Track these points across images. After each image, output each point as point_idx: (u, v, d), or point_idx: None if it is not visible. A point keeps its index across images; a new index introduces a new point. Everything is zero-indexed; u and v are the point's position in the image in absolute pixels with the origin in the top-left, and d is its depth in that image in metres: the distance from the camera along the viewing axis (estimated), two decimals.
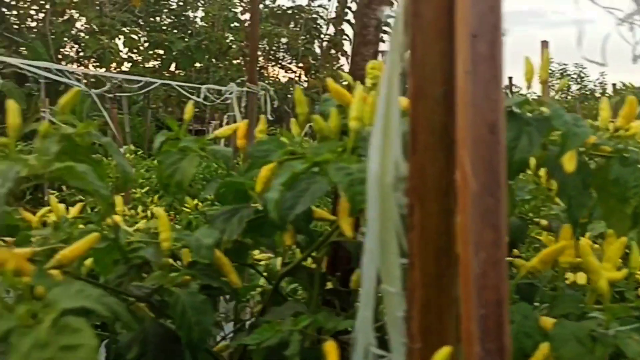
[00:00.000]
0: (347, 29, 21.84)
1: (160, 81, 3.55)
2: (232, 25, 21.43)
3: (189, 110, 1.12)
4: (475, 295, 0.53)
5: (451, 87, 0.54)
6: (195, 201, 3.82)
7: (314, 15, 22.97)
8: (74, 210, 1.24)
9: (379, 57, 1.26)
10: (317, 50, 24.14)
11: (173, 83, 3.71)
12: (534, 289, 0.86)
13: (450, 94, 0.55)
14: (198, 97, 3.51)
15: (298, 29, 23.24)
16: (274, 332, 0.76)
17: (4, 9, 20.69)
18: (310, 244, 1.00)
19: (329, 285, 1.06)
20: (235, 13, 22.50)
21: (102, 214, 0.65)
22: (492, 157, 0.53)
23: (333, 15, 22.17)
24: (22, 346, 0.47)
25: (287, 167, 0.68)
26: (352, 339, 0.81)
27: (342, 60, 23.66)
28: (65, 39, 21.67)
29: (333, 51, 22.84)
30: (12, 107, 0.63)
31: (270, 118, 3.13)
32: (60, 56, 21.52)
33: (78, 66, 17.45)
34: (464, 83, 0.52)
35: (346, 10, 21.36)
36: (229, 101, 3.20)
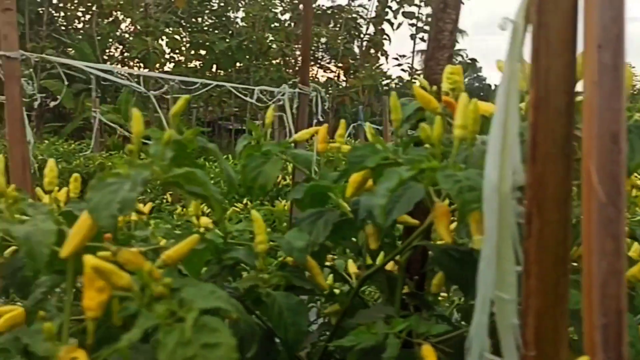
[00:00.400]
0: (387, 29, 21.80)
1: (215, 82, 3.61)
2: (272, 25, 21.65)
3: (269, 115, 1.14)
4: (597, 304, 0.53)
5: (572, 98, 0.55)
6: (245, 200, 3.87)
7: (354, 15, 23.00)
8: (145, 210, 1.28)
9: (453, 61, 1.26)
10: (356, 50, 24.14)
11: (228, 85, 3.77)
12: (631, 298, 0.85)
13: (571, 104, 0.55)
14: (244, 97, 3.57)
15: (338, 28, 23.31)
16: (371, 334, 0.77)
17: (52, 11, 21.38)
18: (392, 248, 1.02)
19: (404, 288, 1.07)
20: (276, 13, 22.71)
21: (217, 217, 0.68)
22: (614, 167, 0.53)
23: (373, 14, 22.14)
24: (168, 343, 0.50)
25: (392, 173, 0.69)
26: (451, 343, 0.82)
27: (382, 59, 23.59)
28: (110, 40, 22.25)
29: (372, 51, 22.82)
30: (136, 115, 0.67)
31: (321, 119, 3.17)
32: (105, 57, 22.12)
33: (122, 67, 17.86)
34: (590, 93, 0.52)
35: (386, 9, 21.30)
36: (281, 102, 3.24)
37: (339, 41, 22.73)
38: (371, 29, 22.30)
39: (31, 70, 3.00)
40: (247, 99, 3.69)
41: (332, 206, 1.04)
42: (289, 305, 0.82)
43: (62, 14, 22.36)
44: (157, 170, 0.64)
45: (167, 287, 0.54)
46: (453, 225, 0.93)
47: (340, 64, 24.00)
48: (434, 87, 1.14)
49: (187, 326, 0.50)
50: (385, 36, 21.58)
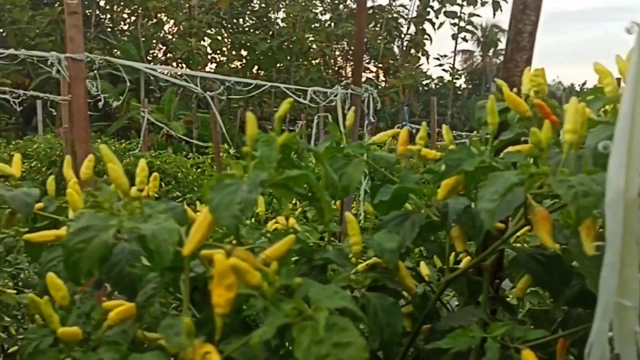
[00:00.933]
0: (429, 29, 21.60)
1: (269, 84, 3.65)
2: (312, 26, 21.73)
3: (350, 117, 1.15)
4: None
5: None
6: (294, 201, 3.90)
7: (395, 15, 22.89)
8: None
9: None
10: (396, 50, 24.01)
11: (282, 85, 3.81)
12: None
13: None
14: (298, 98, 3.61)
15: (378, 28, 23.24)
16: (468, 337, 0.77)
17: (99, 13, 21.97)
18: (477, 251, 1.01)
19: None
20: (316, 14, 22.80)
21: (325, 220, 0.69)
22: None
23: (414, 14, 22.00)
24: (303, 342, 0.51)
25: (498, 178, 0.69)
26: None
27: (422, 59, 23.38)
28: (154, 41, 22.72)
29: (413, 51, 22.67)
30: (251, 118, 0.68)
31: (373, 120, 3.17)
32: (149, 57, 22.60)
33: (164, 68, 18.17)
34: None
35: (428, 9, 21.12)
36: (333, 103, 3.26)
37: (379, 41, 22.65)
38: (412, 29, 22.14)
39: (95, 72, 3.08)
40: (301, 99, 3.73)
41: (415, 209, 1.05)
42: (384, 306, 0.83)
43: (108, 16, 22.93)
44: (272, 172, 0.65)
45: (297, 286, 0.55)
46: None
47: (379, 64, 23.91)
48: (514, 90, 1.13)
49: (320, 325, 0.52)
50: (426, 36, 21.39)
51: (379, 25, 22.83)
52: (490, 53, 28.54)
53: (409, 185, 0.98)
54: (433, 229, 1.04)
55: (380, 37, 22.59)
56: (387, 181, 1.09)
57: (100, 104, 2.91)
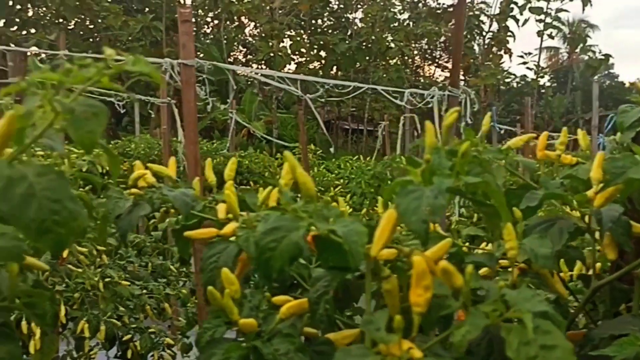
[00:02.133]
0: (512, 26, 20.94)
1: (367, 86, 3.69)
2: (391, 25, 21.63)
3: (450, 117, 1.16)
4: None
5: None
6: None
7: (476, 12, 22.36)
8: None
9: None
10: (476, 48, 23.43)
11: (379, 88, 3.84)
12: None
13: None
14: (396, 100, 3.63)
15: None
16: (636, 346, 0.77)
17: None
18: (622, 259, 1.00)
19: None
20: (395, 13, 22.66)
21: (505, 222, 0.71)
22: None
23: (497, 11, 21.39)
24: (513, 342, 0.54)
25: None
26: None
27: (504, 57, 22.70)
28: (235, 43, 23.40)
29: (495, 49, 22.05)
30: (429, 128, 0.72)
31: (469, 121, 3.14)
32: (230, 59, 23.30)
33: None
34: None
35: (512, 5, 20.47)
36: (430, 105, 3.26)
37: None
38: (494, 26, 21.55)
39: (204, 76, 3.24)
40: (397, 101, 3.74)
41: (560, 215, 1.04)
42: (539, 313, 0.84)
43: (193, 20, 23.80)
44: (454, 179, 0.68)
45: (498, 290, 0.58)
46: None
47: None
48: None
49: (528, 327, 0.54)
50: (509, 33, 20.76)
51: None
52: (577, 50, 27.28)
53: (556, 192, 0.98)
54: (577, 235, 1.04)
55: None
56: (526, 187, 1.09)
57: (209, 107, 3.06)
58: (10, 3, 18.38)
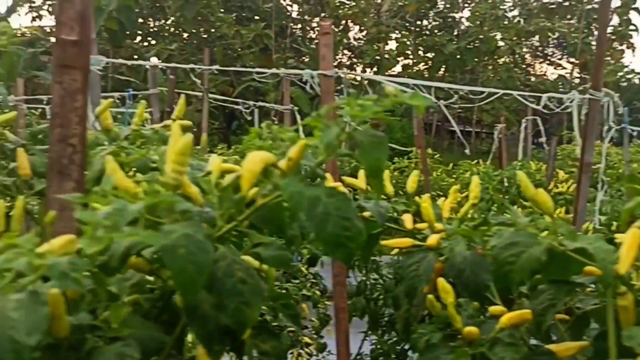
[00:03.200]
0: (635, 18, 19.46)
1: (502, 91, 3.64)
2: (501, 23, 20.90)
3: None
4: None
5: None
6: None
7: (595, 5, 21.04)
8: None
9: None
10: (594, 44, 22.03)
11: (514, 93, 3.78)
12: None
13: None
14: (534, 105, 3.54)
15: (574, 21, 21.57)
16: None
17: (290, 24, 23.51)
18: None
19: None
20: (504, 10, 21.88)
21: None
22: None
23: (618, 3, 19.99)
24: None
25: None
26: None
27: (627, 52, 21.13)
28: (340, 47, 23.67)
29: (615, 44, 20.63)
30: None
31: (613, 125, 2.99)
32: (335, 63, 23.60)
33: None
34: None
35: None
36: (569, 109, 3.15)
37: (574, 35, 21.03)
38: (615, 20, 20.18)
39: (342, 86, 3.36)
40: (534, 105, 3.65)
41: None
42: None
43: (299, 25, 24.41)
44: None
45: None
46: None
47: (572, 60, 22.20)
48: None
49: None
50: (632, 26, 19.36)
51: (575, 17, 21.19)
52: None
53: None
54: None
55: (575, 30, 20.97)
56: None
57: None
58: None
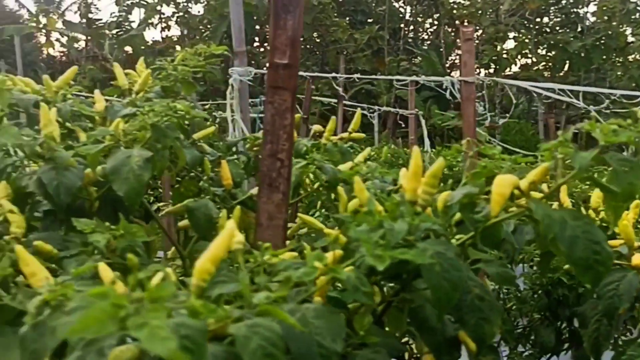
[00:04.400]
0: None
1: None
2: (632, 17, 19.35)
3: None
4: None
5: None
6: None
7: None
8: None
9: None
10: None
11: None
12: None
13: None
14: None
15: None
16: None
17: (402, 25, 23.35)
18: None
19: None
20: (635, 4, 20.25)
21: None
22: None
23: None
24: None
25: None
26: None
27: None
28: (454, 48, 23.15)
29: None
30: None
31: None
32: (446, 64, 23.14)
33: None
34: None
35: None
36: None
37: None
38: None
39: (483, 92, 3.31)
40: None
41: None
42: None
43: (411, 27, 24.18)
44: None
45: None
46: None
47: None
48: None
49: None
50: None
51: None
52: None
53: None
54: None
55: None
56: None
57: (487, 122, 3.12)
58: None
